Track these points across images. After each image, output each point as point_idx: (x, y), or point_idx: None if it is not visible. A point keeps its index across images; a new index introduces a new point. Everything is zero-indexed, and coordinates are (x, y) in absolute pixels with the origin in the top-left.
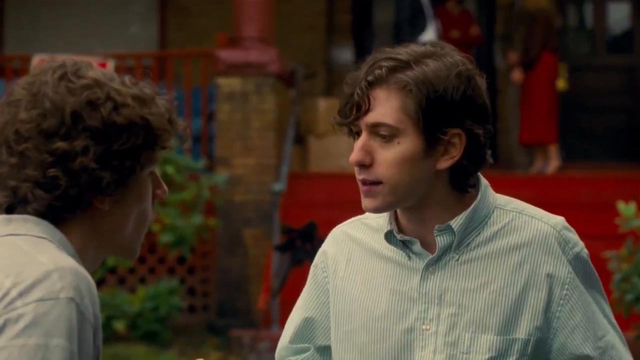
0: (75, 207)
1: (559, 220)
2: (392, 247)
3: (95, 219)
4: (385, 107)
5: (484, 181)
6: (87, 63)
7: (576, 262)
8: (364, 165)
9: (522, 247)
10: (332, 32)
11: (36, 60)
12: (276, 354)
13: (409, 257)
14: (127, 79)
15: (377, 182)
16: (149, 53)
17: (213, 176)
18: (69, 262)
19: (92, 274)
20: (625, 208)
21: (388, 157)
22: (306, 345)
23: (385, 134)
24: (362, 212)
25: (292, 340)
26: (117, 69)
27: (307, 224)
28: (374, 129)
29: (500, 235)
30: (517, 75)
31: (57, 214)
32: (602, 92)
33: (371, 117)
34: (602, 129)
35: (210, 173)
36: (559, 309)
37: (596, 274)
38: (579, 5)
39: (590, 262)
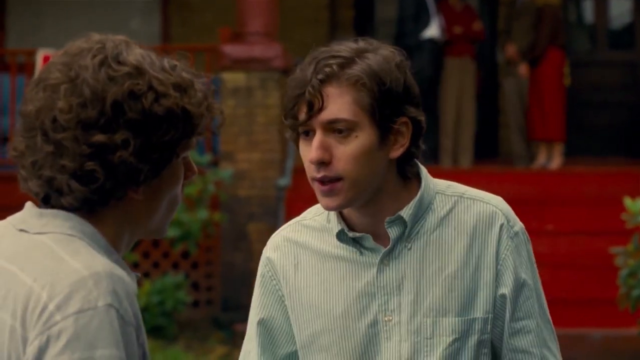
0: (110, 199)
1: (499, 200)
2: (342, 246)
3: (128, 207)
4: (339, 103)
5: (423, 169)
6: (126, 43)
7: (516, 238)
8: (323, 163)
9: (468, 229)
10: (334, 27)
11: (40, 55)
12: None
13: (361, 252)
14: (166, 62)
15: (337, 179)
16: (154, 48)
17: (218, 171)
18: (102, 263)
19: None
20: (632, 204)
21: (347, 152)
22: None
23: (343, 128)
24: None
25: (262, 352)
26: None
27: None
28: (330, 125)
29: (447, 221)
30: (523, 69)
31: (92, 206)
32: (604, 88)
33: (327, 115)
34: (604, 125)
35: (215, 168)
36: (500, 274)
37: (532, 253)
38: (580, 1)
39: (528, 241)
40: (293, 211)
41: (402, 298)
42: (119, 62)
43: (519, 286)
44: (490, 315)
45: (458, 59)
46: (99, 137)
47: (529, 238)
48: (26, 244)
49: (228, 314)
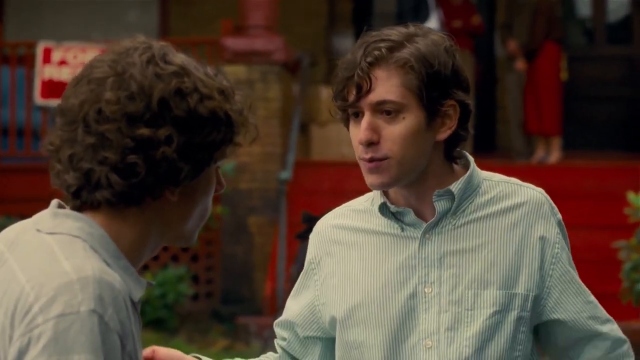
0: (147, 196)
1: (542, 189)
2: (384, 223)
3: (161, 209)
4: (387, 85)
5: (470, 157)
6: (170, 47)
7: (560, 226)
8: (371, 144)
9: (514, 209)
10: (333, 21)
11: (41, 47)
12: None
13: (402, 228)
14: (208, 69)
15: (384, 158)
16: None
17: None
18: (93, 267)
19: None
20: (636, 198)
21: (395, 133)
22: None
23: (390, 110)
24: None
25: (296, 320)
26: None
27: (325, 211)
28: (378, 107)
29: (494, 201)
30: (520, 64)
31: (128, 201)
32: (602, 82)
33: (375, 96)
34: (602, 119)
35: None
36: (552, 267)
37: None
38: None
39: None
40: (293, 204)
41: (443, 271)
42: (166, 62)
43: (565, 272)
44: (531, 293)
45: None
46: (144, 131)
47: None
48: (35, 244)
49: (228, 306)
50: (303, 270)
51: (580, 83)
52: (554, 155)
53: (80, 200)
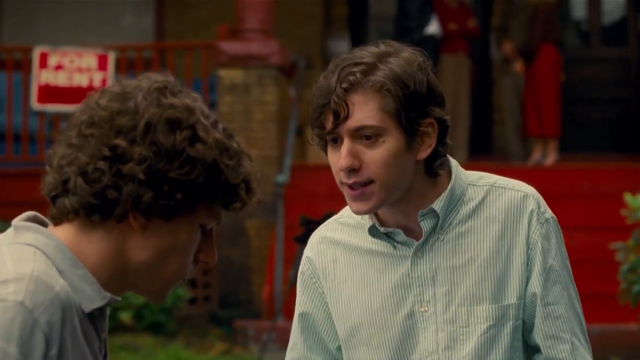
0: (109, 213)
1: (531, 187)
2: (376, 241)
3: (126, 241)
4: (365, 110)
5: (453, 161)
6: (191, 94)
7: (547, 225)
8: (353, 170)
9: (500, 217)
10: (329, 24)
11: (37, 52)
12: None
13: (394, 246)
14: (222, 126)
15: (368, 183)
16: (150, 44)
17: None
18: (34, 268)
19: None
20: (633, 199)
21: (376, 157)
22: (319, 357)
23: (370, 134)
24: None
25: (309, 348)
26: (118, 61)
27: (324, 215)
28: (357, 132)
29: (479, 211)
30: (518, 66)
31: (90, 213)
32: (597, 84)
33: (353, 122)
34: (598, 121)
35: None
36: (531, 258)
37: (563, 243)
38: None
39: (559, 230)
40: (290, 207)
41: (437, 289)
42: (174, 95)
43: (547, 270)
44: (522, 300)
45: (453, 55)
46: (120, 142)
47: (559, 228)
48: None
49: (226, 310)
50: (301, 288)
51: (576, 85)
52: (551, 157)
53: (56, 207)
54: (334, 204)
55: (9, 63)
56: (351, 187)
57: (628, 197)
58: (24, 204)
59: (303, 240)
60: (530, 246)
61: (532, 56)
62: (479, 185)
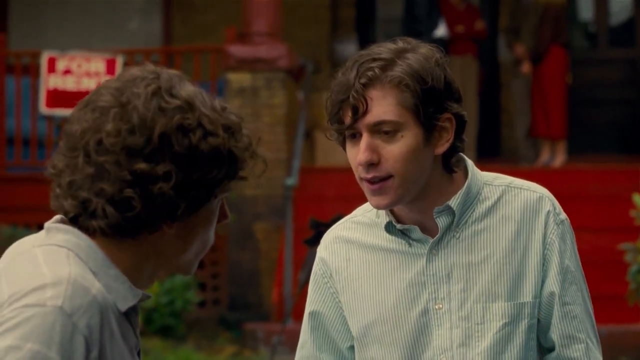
0: (143, 230)
1: (545, 190)
2: (391, 238)
3: (159, 242)
4: (383, 105)
5: (469, 161)
6: (179, 77)
7: (562, 225)
8: (371, 164)
9: (516, 216)
10: (336, 26)
11: (45, 57)
12: None
13: (410, 244)
14: (216, 102)
15: (387, 177)
16: (158, 49)
17: None
18: (71, 271)
19: None
20: None
21: (395, 151)
22: (330, 357)
23: (389, 129)
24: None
25: (319, 347)
26: (126, 65)
27: (334, 217)
28: (376, 127)
29: (495, 209)
30: (526, 67)
31: (123, 234)
32: (604, 85)
33: (372, 117)
34: (606, 122)
35: None
36: (547, 258)
37: (576, 245)
38: None
39: (573, 233)
40: (301, 210)
41: (452, 286)
42: (172, 95)
43: (564, 271)
44: (538, 299)
45: (460, 57)
46: (142, 166)
47: (572, 230)
48: (24, 257)
49: (235, 313)
50: (313, 287)
51: (583, 86)
52: (559, 159)
53: (78, 226)
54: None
55: (17, 68)
56: (370, 181)
57: (637, 198)
58: (32, 209)
59: (313, 242)
60: (547, 246)
61: (540, 58)
62: (495, 185)
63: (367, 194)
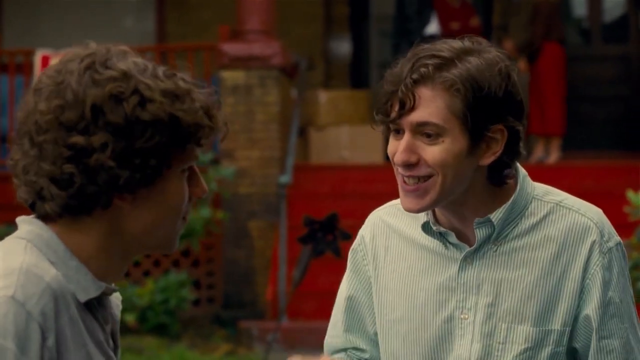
0: (94, 206)
1: (597, 212)
2: (429, 236)
3: (118, 218)
4: (431, 106)
5: (522, 171)
6: (121, 52)
7: (609, 254)
8: (410, 165)
9: (559, 239)
10: (329, 24)
11: (39, 55)
12: (327, 342)
13: (446, 246)
14: (161, 70)
15: (424, 179)
16: (152, 47)
17: (220, 169)
18: (23, 261)
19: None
20: (635, 197)
21: (435, 156)
22: (358, 339)
23: (431, 132)
24: (365, 203)
25: (347, 328)
26: None
27: (328, 215)
28: (419, 127)
29: (538, 228)
30: (521, 65)
31: (75, 213)
32: (598, 82)
33: (417, 116)
34: (599, 119)
35: (217, 166)
36: (587, 289)
37: (627, 271)
38: None
39: (623, 257)
40: (295, 208)
41: (480, 299)
42: (106, 67)
43: (605, 303)
44: (568, 328)
45: None
46: (77, 139)
47: (625, 253)
48: None
49: (230, 311)
50: (351, 267)
51: (577, 83)
52: (554, 156)
53: (37, 213)
54: (337, 204)
55: (11, 66)
56: (405, 182)
57: (631, 195)
58: (26, 207)
59: (307, 240)
60: (589, 276)
61: (536, 55)
62: (544, 201)
63: (400, 194)
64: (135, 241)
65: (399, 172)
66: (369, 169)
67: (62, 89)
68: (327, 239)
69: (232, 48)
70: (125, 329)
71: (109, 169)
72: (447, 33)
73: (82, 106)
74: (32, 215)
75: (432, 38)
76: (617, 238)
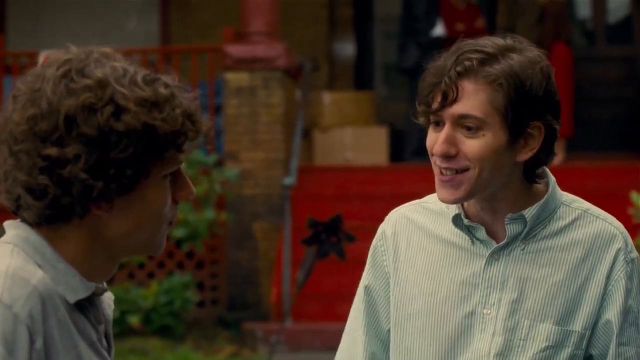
0: (71, 216)
1: (621, 224)
2: (456, 232)
3: (98, 226)
4: (474, 100)
5: (552, 178)
6: (100, 56)
7: (632, 264)
8: (449, 157)
9: (586, 243)
10: (334, 25)
11: (43, 57)
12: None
13: (473, 242)
14: (141, 76)
15: (462, 171)
16: (156, 49)
17: (224, 171)
18: (9, 264)
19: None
20: (639, 198)
21: (474, 149)
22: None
23: (472, 126)
24: (370, 205)
25: (367, 325)
26: None
27: (332, 217)
28: (460, 120)
29: (567, 231)
30: None
31: (52, 222)
32: (603, 83)
33: (459, 109)
34: (604, 120)
35: (221, 168)
36: (610, 295)
37: None
38: None
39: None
40: (299, 210)
41: (504, 295)
42: (83, 75)
43: (626, 311)
44: (588, 332)
45: None
46: (51, 151)
47: None
48: None
49: (234, 313)
50: (371, 263)
51: (581, 84)
52: (558, 157)
53: (20, 219)
54: (341, 206)
55: (15, 68)
56: (442, 172)
57: (635, 196)
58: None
59: (311, 242)
60: (612, 282)
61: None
62: (573, 208)
63: (437, 184)
64: (118, 246)
65: (436, 164)
66: (373, 170)
67: (38, 98)
68: (332, 241)
69: (236, 50)
70: (130, 331)
71: (83, 180)
72: (452, 35)
73: (56, 117)
74: (18, 220)
75: (439, 40)
76: (637, 253)
